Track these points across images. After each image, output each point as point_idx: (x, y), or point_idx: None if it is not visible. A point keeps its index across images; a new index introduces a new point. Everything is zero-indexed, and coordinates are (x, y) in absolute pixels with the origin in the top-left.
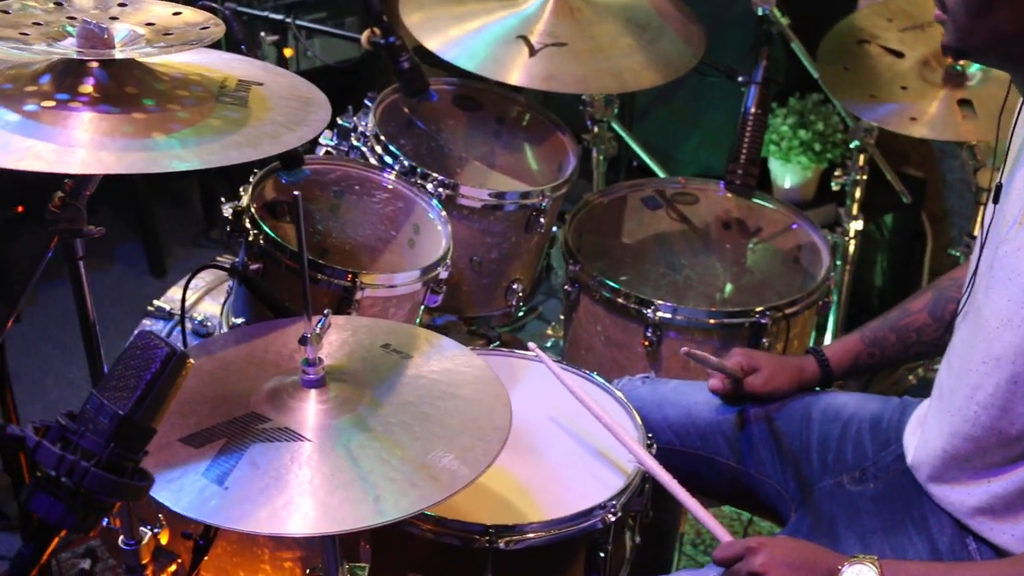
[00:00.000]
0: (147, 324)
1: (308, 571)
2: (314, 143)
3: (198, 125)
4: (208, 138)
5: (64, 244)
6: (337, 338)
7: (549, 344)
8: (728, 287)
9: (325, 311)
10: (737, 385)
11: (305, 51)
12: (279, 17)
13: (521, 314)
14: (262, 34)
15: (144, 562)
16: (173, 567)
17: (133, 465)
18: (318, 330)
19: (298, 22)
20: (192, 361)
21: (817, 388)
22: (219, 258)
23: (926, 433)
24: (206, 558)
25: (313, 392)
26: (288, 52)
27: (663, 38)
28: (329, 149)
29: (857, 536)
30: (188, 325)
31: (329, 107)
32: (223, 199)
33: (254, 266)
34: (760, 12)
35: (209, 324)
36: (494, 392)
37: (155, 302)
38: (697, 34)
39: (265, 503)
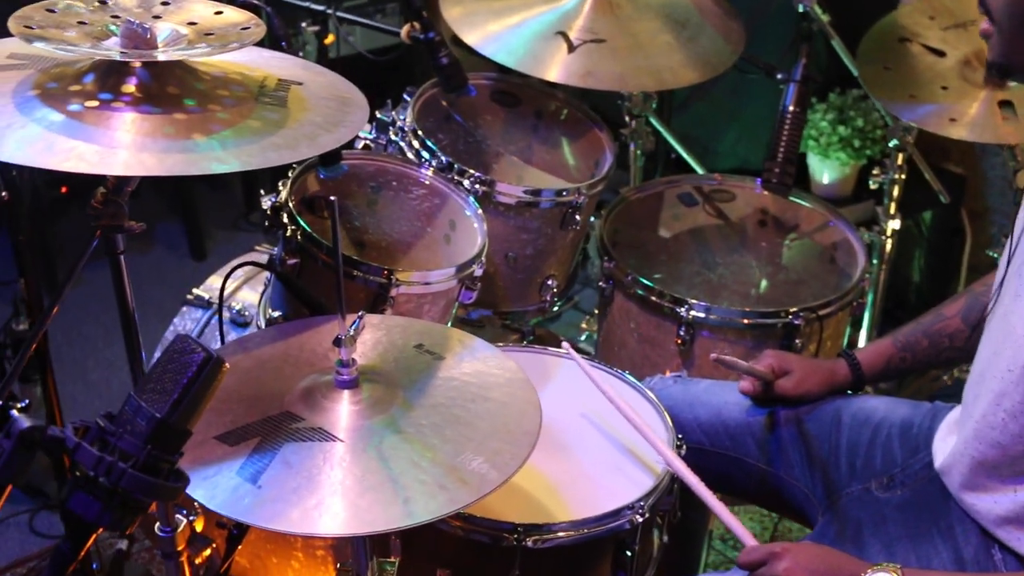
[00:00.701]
0: (185, 312)
1: (339, 565)
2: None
3: (238, 126)
4: (247, 139)
5: (105, 239)
6: (371, 337)
7: (583, 338)
8: (763, 283)
9: (360, 313)
10: (768, 387)
11: (346, 37)
12: (320, 8)
13: (556, 308)
14: (303, 24)
15: (179, 548)
16: (207, 551)
17: (169, 466)
18: (352, 332)
19: (339, 13)
20: (228, 366)
21: (848, 392)
22: (257, 247)
23: (955, 438)
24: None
25: (346, 393)
26: (330, 39)
27: (702, 35)
28: (367, 142)
29: (883, 543)
30: (226, 314)
31: (367, 108)
32: (262, 191)
33: (291, 261)
34: (801, 9)
35: (247, 314)
36: (525, 396)
37: (194, 290)
38: (736, 31)
39: (297, 503)
